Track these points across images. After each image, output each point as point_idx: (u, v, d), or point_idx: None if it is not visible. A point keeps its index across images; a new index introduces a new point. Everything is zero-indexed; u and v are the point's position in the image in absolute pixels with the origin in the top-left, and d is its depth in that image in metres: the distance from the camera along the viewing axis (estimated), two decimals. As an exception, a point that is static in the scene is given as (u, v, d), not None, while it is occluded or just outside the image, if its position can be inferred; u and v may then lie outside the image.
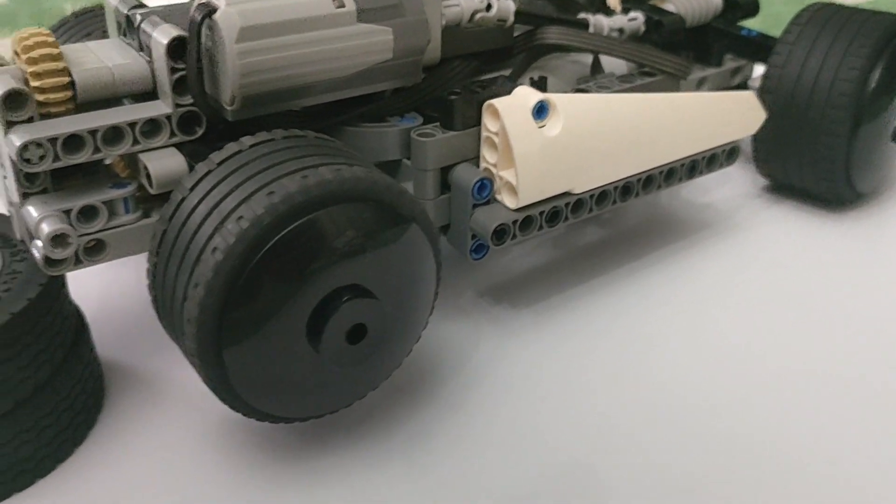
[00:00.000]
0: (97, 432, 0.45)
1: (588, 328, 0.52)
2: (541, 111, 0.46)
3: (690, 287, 0.56)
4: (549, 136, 0.46)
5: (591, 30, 0.55)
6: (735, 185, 0.68)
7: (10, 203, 0.43)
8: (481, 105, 0.46)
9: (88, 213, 0.42)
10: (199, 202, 0.37)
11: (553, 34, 0.52)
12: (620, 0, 0.62)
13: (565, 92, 0.52)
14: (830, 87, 0.57)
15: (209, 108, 0.41)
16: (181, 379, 0.48)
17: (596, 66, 0.55)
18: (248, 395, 0.38)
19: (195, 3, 0.40)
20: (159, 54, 0.40)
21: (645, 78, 0.53)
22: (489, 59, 0.52)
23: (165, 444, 0.45)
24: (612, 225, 0.63)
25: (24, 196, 0.41)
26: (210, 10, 0.39)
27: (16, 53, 0.41)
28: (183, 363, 0.49)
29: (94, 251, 0.42)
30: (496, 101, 0.45)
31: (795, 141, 0.59)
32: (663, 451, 0.44)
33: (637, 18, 0.58)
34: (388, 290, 0.39)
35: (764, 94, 0.60)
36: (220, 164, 0.38)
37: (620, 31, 0.57)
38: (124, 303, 0.54)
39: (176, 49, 0.40)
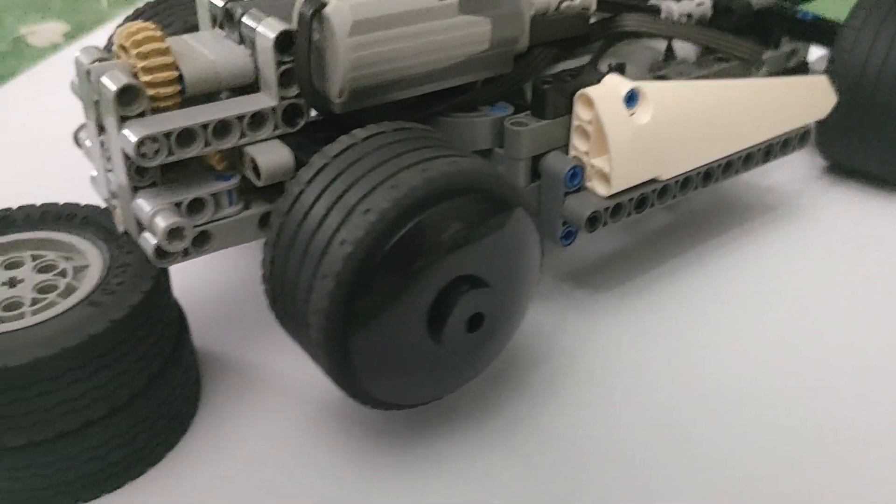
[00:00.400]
0: (197, 422, 0.46)
1: (664, 312, 0.53)
2: (631, 99, 0.46)
3: (757, 270, 0.57)
4: (639, 124, 0.46)
5: (662, 16, 0.56)
6: (795, 167, 0.68)
7: (114, 196, 0.44)
8: (572, 94, 0.46)
9: (196, 206, 0.42)
10: (320, 195, 0.38)
11: (632, 21, 0.52)
12: None
13: (642, 78, 0.52)
14: None
15: (315, 100, 0.41)
16: (273, 368, 0.49)
17: (669, 52, 0.56)
18: (370, 384, 0.39)
19: (303, -2, 0.40)
20: (266, 48, 0.41)
21: (721, 64, 0.54)
22: (567, 47, 0.52)
23: (264, 433, 0.45)
24: (676, 208, 0.64)
25: (135, 190, 0.42)
26: (320, 5, 0.39)
27: (122, 48, 0.41)
28: (275, 353, 0.50)
29: (201, 243, 0.43)
30: (590, 91, 0.45)
31: (861, 124, 0.60)
32: (724, 440, 0.45)
33: (704, 3, 0.59)
34: (501, 277, 0.40)
35: (829, 77, 0.60)
36: (335, 156, 0.38)
37: (689, 16, 0.58)
38: (208, 292, 0.55)
39: (283, 43, 0.41)
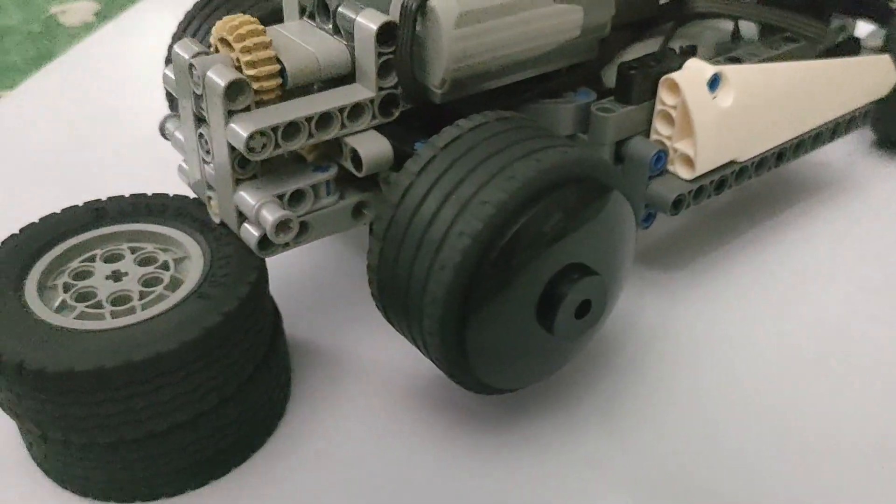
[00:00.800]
0: (290, 407, 0.47)
1: (737, 288, 0.54)
2: (714, 83, 0.47)
3: (819, 244, 0.58)
4: (722, 108, 0.47)
5: (729, -5, 0.56)
6: (846, 142, 0.69)
7: (210, 187, 0.44)
8: (657, 80, 0.47)
9: (296, 197, 0.43)
10: (432, 187, 0.38)
11: (703, 3, 0.53)
12: None
13: (711, 59, 0.53)
14: None
15: (415, 91, 0.42)
16: (358, 352, 0.50)
17: (736, 33, 0.56)
18: (480, 371, 0.40)
19: (405, -11, 0.41)
20: (366, 39, 0.41)
21: (789, 44, 0.54)
22: (638, 30, 0.53)
23: (356, 418, 0.46)
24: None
25: (237, 182, 0.42)
26: (426, -3, 0.39)
27: (222, 41, 0.42)
28: (356, 336, 0.51)
29: (300, 233, 0.43)
30: (676, 76, 0.46)
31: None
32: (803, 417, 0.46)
33: (766, -21, 0.59)
34: (606, 262, 0.41)
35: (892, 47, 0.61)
36: (444, 148, 0.39)
37: (753, -7, 0.58)
38: (288, 279, 0.55)
39: (384, 35, 0.41)
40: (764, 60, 0.52)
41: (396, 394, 0.48)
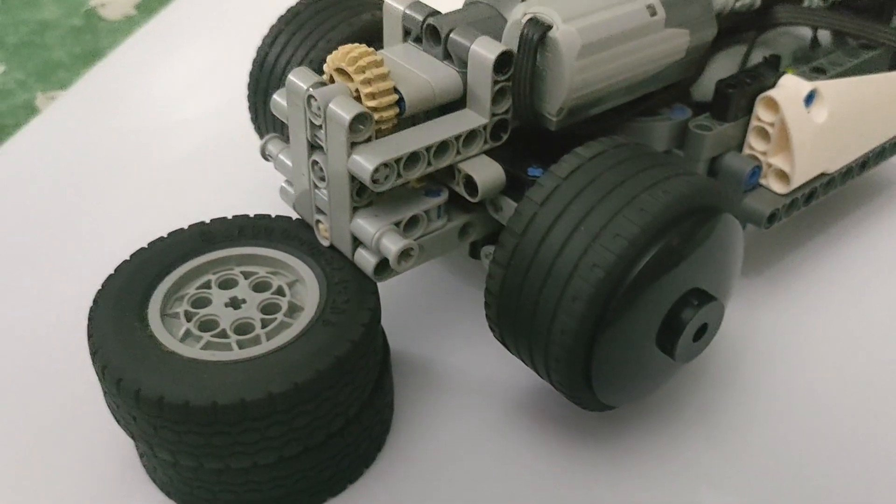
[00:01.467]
0: (395, 422, 0.48)
1: (817, 293, 0.55)
2: (809, 99, 0.48)
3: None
4: (817, 124, 0.48)
5: (806, 1, 0.56)
6: None
7: (320, 211, 0.45)
8: (754, 97, 0.47)
9: (412, 223, 0.44)
10: (558, 218, 0.39)
11: (785, 14, 0.53)
12: None
13: (793, 68, 0.54)
14: None
15: (531, 118, 0.42)
16: (455, 367, 0.51)
17: (815, 41, 0.57)
18: (601, 392, 0.41)
19: (522, 17, 0.41)
20: (484, 68, 0.41)
21: (868, 52, 0.55)
22: (719, 38, 0.53)
23: (459, 432, 0.48)
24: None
25: (354, 210, 0.43)
26: (546, 28, 0.40)
27: (339, 71, 0.42)
28: (453, 351, 0.52)
29: (411, 257, 0.44)
30: (775, 94, 0.47)
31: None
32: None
33: (839, -19, 0.60)
34: (720, 284, 0.42)
35: None
36: (566, 178, 0.40)
37: (826, -2, 0.58)
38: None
39: (502, 64, 0.41)
40: (846, 70, 0.53)
41: (494, 406, 0.49)
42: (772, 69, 0.49)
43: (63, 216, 0.64)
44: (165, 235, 0.47)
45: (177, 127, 0.73)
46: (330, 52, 0.52)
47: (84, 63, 0.83)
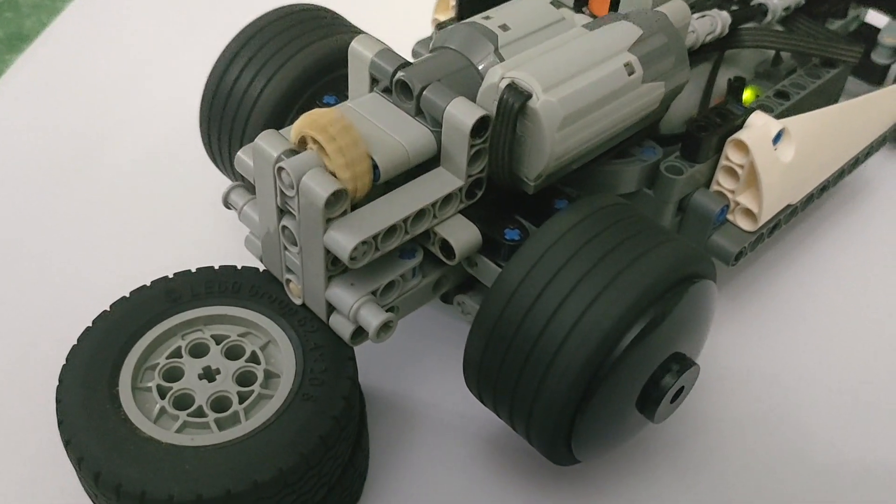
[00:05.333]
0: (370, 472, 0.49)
1: (771, 309, 0.57)
2: (777, 138, 0.48)
3: (851, 248, 0.61)
4: (784, 163, 0.48)
5: (768, 15, 0.56)
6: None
7: (290, 271, 0.43)
8: (724, 138, 0.47)
9: (388, 287, 0.43)
10: (544, 289, 0.39)
11: (749, 37, 0.52)
12: None
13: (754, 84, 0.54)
14: None
15: (508, 182, 0.41)
16: (431, 409, 0.51)
17: (777, 58, 0.57)
18: (578, 452, 0.42)
19: (500, 80, 0.39)
20: (459, 132, 0.40)
21: (829, 70, 0.55)
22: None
23: (434, 476, 0.48)
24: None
25: (329, 278, 0.41)
26: (527, 97, 0.38)
27: (311, 138, 0.40)
28: (428, 391, 0.52)
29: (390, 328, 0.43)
30: (745, 137, 0.46)
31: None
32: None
33: (799, -9, 0.59)
34: (696, 345, 0.43)
35: None
36: (552, 246, 0.39)
37: (787, 7, 0.58)
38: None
39: (479, 128, 0.40)
40: (809, 93, 0.53)
41: (468, 444, 0.49)
42: (740, 105, 0.49)
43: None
44: (128, 295, 0.45)
45: (121, 127, 0.69)
46: (295, 78, 0.50)
47: (9, 49, 0.77)
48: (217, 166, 0.56)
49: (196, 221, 0.61)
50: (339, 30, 0.53)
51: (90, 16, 0.80)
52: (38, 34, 0.77)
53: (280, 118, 0.51)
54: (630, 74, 0.41)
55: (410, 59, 0.47)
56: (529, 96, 0.39)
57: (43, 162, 0.66)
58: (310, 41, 0.51)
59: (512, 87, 0.39)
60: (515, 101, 0.38)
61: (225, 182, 0.59)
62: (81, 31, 0.78)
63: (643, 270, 0.38)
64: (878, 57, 0.66)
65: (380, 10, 0.76)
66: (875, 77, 0.67)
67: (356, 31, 0.54)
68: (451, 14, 0.58)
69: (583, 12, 0.51)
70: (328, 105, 0.50)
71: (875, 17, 0.70)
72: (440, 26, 0.57)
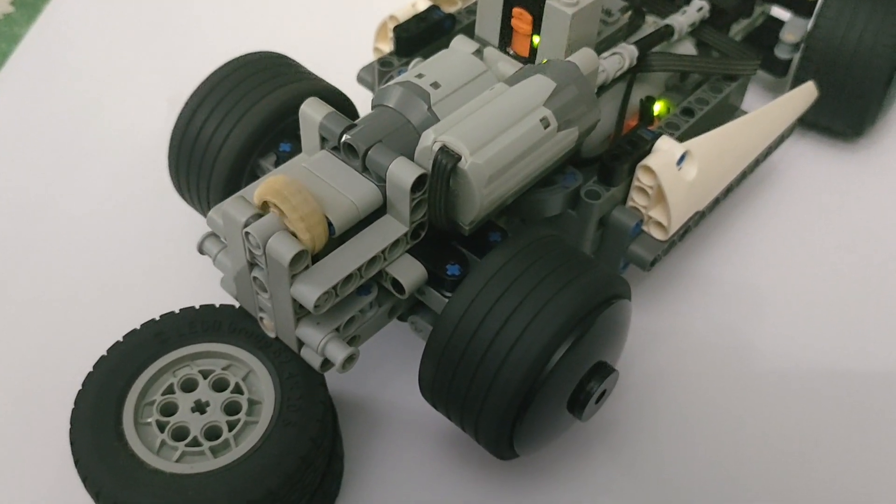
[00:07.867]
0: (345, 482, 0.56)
1: (689, 299, 0.64)
2: (681, 159, 0.55)
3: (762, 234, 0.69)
4: (688, 181, 0.55)
5: (675, 35, 0.62)
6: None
7: (262, 310, 0.50)
8: (635, 163, 0.54)
9: (350, 322, 0.49)
10: (485, 316, 0.45)
11: (658, 62, 0.59)
12: None
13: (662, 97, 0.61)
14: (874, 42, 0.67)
15: (445, 227, 0.48)
16: (397, 408, 0.58)
17: (684, 73, 0.63)
18: (520, 449, 0.49)
19: (433, 143, 0.45)
20: (401, 188, 0.46)
21: (730, 83, 0.62)
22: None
23: (405, 474, 0.55)
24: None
25: (298, 319, 0.48)
26: (456, 159, 0.45)
27: (271, 204, 0.46)
28: (392, 391, 0.59)
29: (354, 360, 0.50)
30: (651, 163, 0.53)
31: (837, 86, 0.69)
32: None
33: (703, 7, 0.65)
34: (617, 353, 0.50)
35: (811, 43, 0.69)
36: (492, 277, 0.46)
37: (693, 24, 0.64)
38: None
39: (418, 184, 0.46)
40: (712, 108, 0.60)
41: (427, 434, 0.57)
42: (648, 130, 0.56)
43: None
44: (121, 339, 0.51)
45: (87, 161, 0.72)
46: (258, 124, 0.56)
47: (-30, 80, 0.81)
48: (187, 202, 0.62)
49: (171, 261, 0.66)
50: (295, 77, 0.58)
51: (48, 43, 0.83)
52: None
53: (244, 161, 0.57)
54: (546, 127, 0.47)
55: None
56: (459, 158, 0.45)
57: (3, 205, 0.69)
58: (270, 89, 0.56)
59: (444, 150, 0.45)
60: (448, 163, 0.45)
61: (193, 216, 0.65)
62: (39, 62, 0.82)
63: (568, 297, 0.46)
64: (781, 52, 0.73)
65: (327, 44, 0.80)
66: (779, 70, 0.74)
67: (310, 76, 0.59)
68: (391, 46, 0.64)
69: (507, 52, 0.57)
70: (284, 152, 0.56)
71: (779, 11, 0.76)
72: (381, 60, 0.62)
